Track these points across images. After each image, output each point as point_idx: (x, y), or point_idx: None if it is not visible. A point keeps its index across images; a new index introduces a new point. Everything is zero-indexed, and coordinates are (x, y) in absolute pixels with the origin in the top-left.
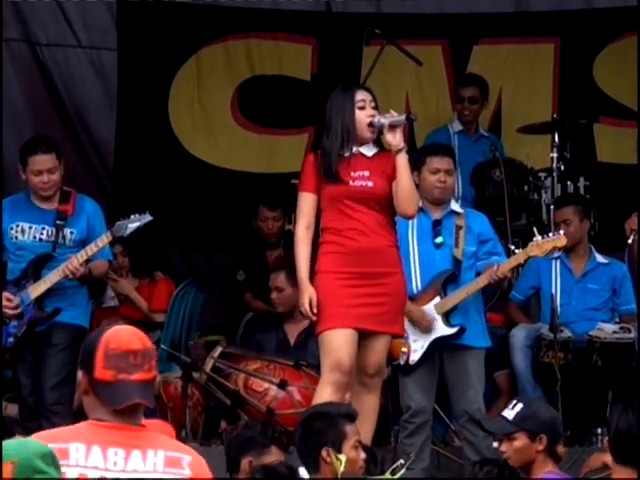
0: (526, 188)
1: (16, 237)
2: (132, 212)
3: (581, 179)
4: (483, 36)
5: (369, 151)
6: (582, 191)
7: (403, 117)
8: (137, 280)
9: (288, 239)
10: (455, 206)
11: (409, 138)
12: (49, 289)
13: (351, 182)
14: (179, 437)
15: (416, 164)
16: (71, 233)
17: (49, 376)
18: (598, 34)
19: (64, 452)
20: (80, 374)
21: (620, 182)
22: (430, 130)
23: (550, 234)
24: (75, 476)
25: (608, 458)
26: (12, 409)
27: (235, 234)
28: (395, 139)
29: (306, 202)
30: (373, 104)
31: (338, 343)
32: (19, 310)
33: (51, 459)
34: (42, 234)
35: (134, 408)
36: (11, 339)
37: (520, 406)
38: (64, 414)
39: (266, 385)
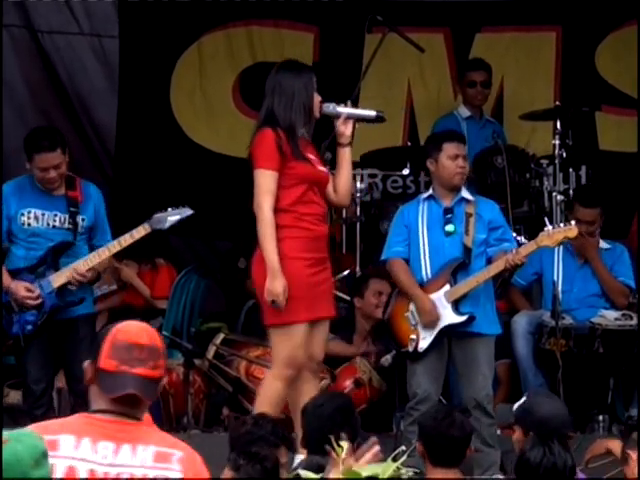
0: (528, 175)
1: (28, 224)
2: (133, 196)
3: (583, 167)
4: (485, 24)
5: (304, 135)
6: (584, 179)
7: (373, 114)
8: (137, 266)
9: None
10: (466, 193)
11: (410, 127)
12: None
13: (315, 165)
14: (181, 424)
15: (430, 152)
16: (82, 220)
17: (79, 371)
18: (600, 23)
19: (54, 443)
20: (86, 364)
21: (621, 170)
22: (431, 118)
23: (561, 224)
24: (63, 468)
25: (611, 444)
26: (14, 396)
27: (236, 221)
28: (348, 131)
29: (271, 180)
30: None
31: (301, 339)
32: (39, 301)
33: (42, 458)
34: (55, 221)
35: (132, 400)
36: (29, 327)
37: (524, 399)
38: None
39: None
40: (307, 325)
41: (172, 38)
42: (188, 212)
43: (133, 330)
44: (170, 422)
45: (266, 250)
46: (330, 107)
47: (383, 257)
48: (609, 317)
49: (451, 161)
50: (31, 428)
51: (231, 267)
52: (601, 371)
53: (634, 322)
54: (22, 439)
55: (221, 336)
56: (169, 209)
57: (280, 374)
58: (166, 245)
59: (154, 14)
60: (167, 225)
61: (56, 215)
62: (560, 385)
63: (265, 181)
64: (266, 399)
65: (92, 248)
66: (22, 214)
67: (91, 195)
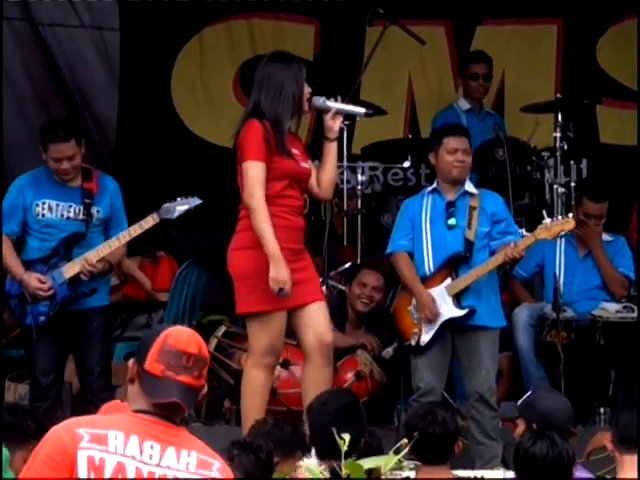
0: (529, 168)
1: (43, 215)
2: (134, 189)
3: (584, 160)
4: (486, 17)
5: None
6: (585, 173)
7: (362, 111)
8: (139, 259)
9: None
10: (469, 187)
11: (411, 119)
12: None
13: (299, 162)
14: (182, 417)
15: (432, 145)
16: (97, 212)
17: (94, 364)
18: (601, 16)
19: (103, 438)
20: (131, 362)
21: (622, 163)
22: (432, 111)
23: (559, 217)
24: (113, 464)
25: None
26: (17, 389)
27: (237, 214)
28: (336, 125)
29: (262, 171)
30: None
31: (280, 327)
32: (51, 292)
33: (7, 462)
34: (69, 212)
35: (173, 407)
36: (42, 318)
37: (529, 393)
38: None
39: None
40: (285, 313)
41: (173, 31)
42: (197, 202)
43: (184, 337)
44: None
45: (265, 239)
46: (320, 100)
47: (388, 251)
48: (610, 309)
49: (450, 155)
50: (75, 421)
51: None
52: (602, 363)
53: (635, 314)
54: None
55: (222, 329)
56: (178, 199)
57: (260, 363)
58: (167, 238)
59: (155, 7)
60: (176, 215)
61: (70, 206)
62: (561, 377)
63: (256, 172)
64: (250, 389)
65: (107, 238)
66: (37, 205)
67: (107, 187)
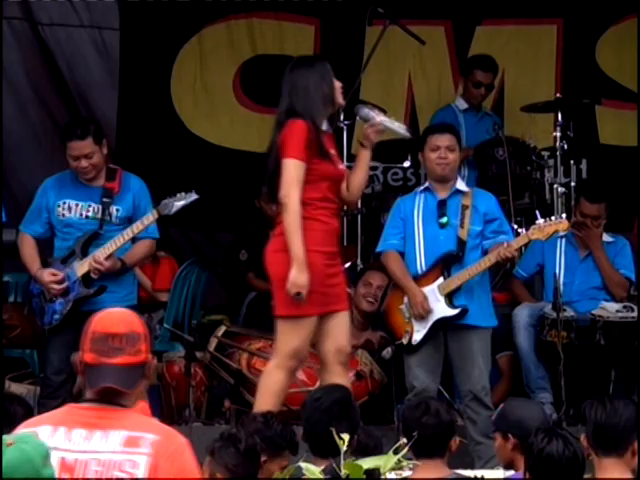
0: (529, 167)
1: (63, 214)
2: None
3: (584, 161)
4: (486, 17)
5: (328, 128)
6: (584, 173)
7: (403, 131)
8: None
9: None
10: (461, 185)
11: (411, 119)
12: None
13: (337, 164)
14: (182, 416)
15: (421, 145)
16: (117, 210)
17: None
18: (600, 16)
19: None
20: (75, 356)
21: (621, 164)
22: (432, 110)
23: (552, 217)
24: None
25: None
26: (16, 389)
27: (238, 213)
28: (373, 136)
29: (301, 171)
30: None
31: (309, 332)
32: (64, 285)
33: (48, 457)
34: (88, 211)
35: (110, 392)
36: (57, 316)
37: (501, 406)
38: None
39: None
40: (317, 318)
41: (173, 30)
42: (193, 197)
43: (109, 320)
44: (171, 414)
45: (292, 241)
46: (364, 111)
47: (378, 249)
48: (610, 309)
49: (432, 152)
50: (25, 423)
51: (232, 259)
52: (602, 363)
53: (635, 314)
54: (26, 440)
55: (222, 328)
56: (177, 194)
57: (284, 364)
58: (167, 238)
59: (154, 6)
60: (173, 210)
61: (90, 205)
62: (561, 377)
63: (295, 171)
64: (268, 389)
65: (134, 240)
66: (58, 205)
67: (130, 187)
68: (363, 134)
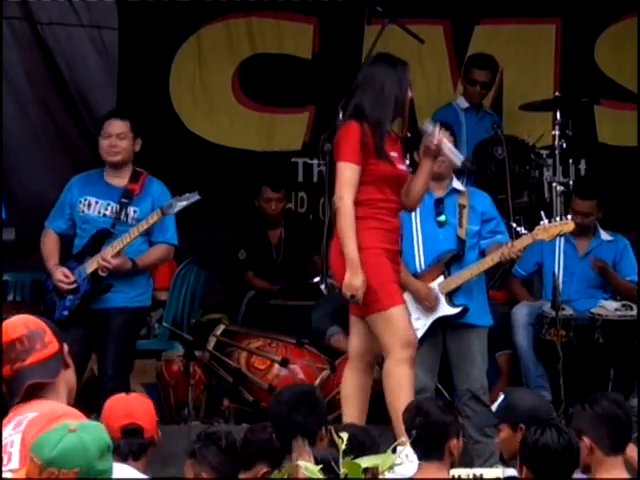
0: (528, 166)
1: (83, 211)
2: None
3: (582, 161)
4: (485, 16)
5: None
6: (583, 172)
7: (460, 160)
8: None
9: (289, 218)
10: (457, 184)
11: (410, 119)
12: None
13: (396, 164)
14: (181, 415)
15: (417, 144)
16: (134, 212)
17: (108, 364)
18: (599, 16)
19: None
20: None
21: (619, 164)
22: (431, 110)
23: (557, 218)
24: None
25: None
26: None
27: (237, 212)
28: (433, 149)
29: (355, 174)
30: None
31: (406, 320)
32: (74, 285)
33: (107, 451)
34: (107, 210)
35: (33, 389)
36: (66, 312)
37: (502, 398)
38: None
39: (268, 363)
40: (406, 309)
41: (171, 30)
42: (195, 197)
43: (7, 328)
44: (170, 414)
45: (346, 244)
46: (430, 127)
47: None
48: (609, 308)
49: None
50: None
51: (232, 258)
52: (601, 361)
53: (634, 312)
54: (89, 430)
55: (221, 327)
56: (184, 194)
57: (401, 357)
58: None
59: (153, 6)
60: (176, 210)
61: (109, 204)
62: (560, 376)
63: (349, 174)
64: (399, 387)
65: (151, 244)
66: (80, 202)
67: (152, 191)
68: (423, 144)
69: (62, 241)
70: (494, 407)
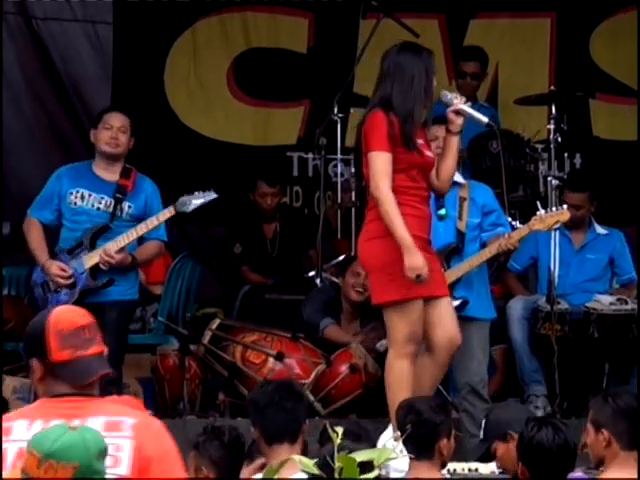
0: (523, 160)
1: (75, 202)
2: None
3: (577, 155)
4: (480, 10)
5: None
6: (578, 166)
7: (485, 120)
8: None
9: (284, 212)
10: (457, 177)
11: None
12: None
13: (424, 152)
14: (177, 409)
15: None
16: (129, 207)
17: None
18: (594, 10)
19: (8, 430)
20: (34, 362)
21: (614, 158)
22: None
23: (553, 208)
24: (14, 450)
25: None
26: (10, 382)
27: (232, 207)
28: (459, 120)
29: (388, 162)
30: None
31: (418, 315)
32: (72, 280)
33: (105, 453)
34: (100, 203)
35: (93, 382)
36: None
37: (484, 421)
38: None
39: (264, 357)
40: (421, 303)
41: (166, 24)
42: (212, 196)
43: (71, 315)
44: (166, 408)
45: (396, 228)
46: (448, 97)
47: None
48: (604, 302)
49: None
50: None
51: (227, 252)
52: (596, 356)
53: (629, 307)
54: (89, 430)
55: (217, 321)
56: (195, 192)
57: (402, 352)
58: None
59: (148, 0)
60: (191, 208)
61: (102, 198)
62: (555, 370)
63: (382, 163)
64: (396, 383)
65: (143, 240)
66: (71, 193)
67: (144, 188)
68: (448, 119)
69: (46, 232)
70: (480, 433)
